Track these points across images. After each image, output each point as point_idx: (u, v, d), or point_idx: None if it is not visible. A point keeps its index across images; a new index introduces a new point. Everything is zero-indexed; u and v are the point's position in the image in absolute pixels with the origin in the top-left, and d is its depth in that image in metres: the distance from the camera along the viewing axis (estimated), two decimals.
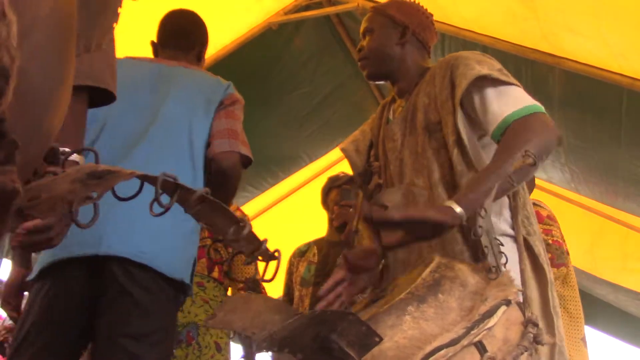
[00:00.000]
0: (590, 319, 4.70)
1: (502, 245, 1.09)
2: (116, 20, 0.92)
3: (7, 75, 0.37)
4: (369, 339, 0.85)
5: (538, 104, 1.27)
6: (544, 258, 1.30)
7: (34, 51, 0.54)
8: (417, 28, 1.57)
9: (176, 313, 1.54)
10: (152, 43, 1.85)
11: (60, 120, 0.68)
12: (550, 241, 2.20)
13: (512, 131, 1.22)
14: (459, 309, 0.97)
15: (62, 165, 0.68)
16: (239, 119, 1.69)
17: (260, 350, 0.85)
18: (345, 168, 4.68)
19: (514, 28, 2.56)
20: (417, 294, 0.99)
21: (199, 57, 1.84)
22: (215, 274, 2.27)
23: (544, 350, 1.15)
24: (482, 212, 1.05)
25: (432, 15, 1.64)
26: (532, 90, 2.81)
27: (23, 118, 0.41)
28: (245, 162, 1.66)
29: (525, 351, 0.95)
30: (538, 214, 2.21)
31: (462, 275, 1.04)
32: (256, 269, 2.37)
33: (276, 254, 0.87)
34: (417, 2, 1.64)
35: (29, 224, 0.97)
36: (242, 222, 0.76)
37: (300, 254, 2.71)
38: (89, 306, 1.39)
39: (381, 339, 0.85)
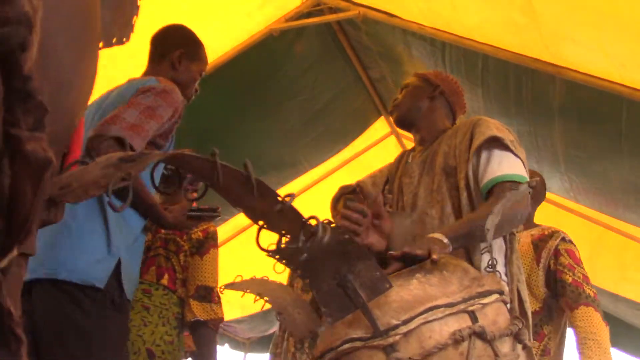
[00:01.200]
0: None
1: (497, 262, 1.29)
2: (136, 14, 0.92)
3: (31, 25, 0.33)
4: (381, 284, 0.98)
5: (527, 177, 1.50)
6: (528, 305, 1.51)
7: (60, 25, 0.53)
8: (447, 89, 1.83)
9: (98, 311, 1.48)
10: None
11: (83, 103, 0.66)
12: (570, 280, 2.16)
13: (500, 191, 1.44)
14: (459, 284, 1.12)
15: (91, 155, 0.66)
16: (137, 105, 1.50)
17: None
18: (344, 174, 4.68)
19: (515, 37, 2.57)
20: (424, 267, 1.16)
21: (173, 64, 1.84)
22: (165, 280, 2.22)
23: None
24: (492, 215, 1.25)
25: (463, 89, 1.91)
26: (533, 99, 2.83)
27: (49, 86, 0.37)
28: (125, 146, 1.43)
29: (511, 334, 1.10)
30: (573, 254, 2.22)
31: (464, 266, 1.21)
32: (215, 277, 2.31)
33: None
34: (454, 77, 1.92)
35: None
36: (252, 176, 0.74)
37: None
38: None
39: (391, 286, 0.98)
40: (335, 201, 2.80)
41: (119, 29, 0.87)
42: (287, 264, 0.93)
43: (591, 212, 3.78)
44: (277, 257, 0.90)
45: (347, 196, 2.71)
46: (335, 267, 0.94)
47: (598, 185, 3.29)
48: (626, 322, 4.34)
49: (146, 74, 1.85)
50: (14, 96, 0.33)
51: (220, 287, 2.16)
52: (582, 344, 2.04)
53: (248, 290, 1.20)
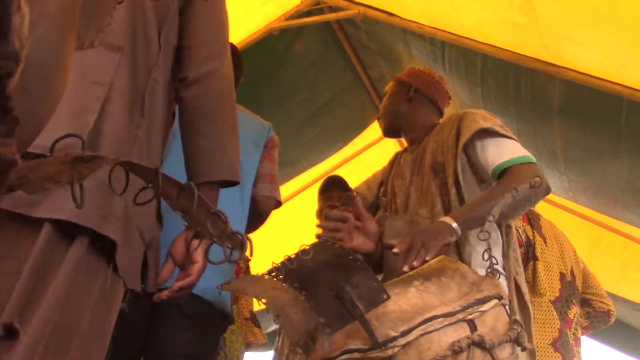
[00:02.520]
0: None
1: (497, 263, 1.26)
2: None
3: (18, 59, 0.40)
4: (378, 295, 0.96)
5: (531, 155, 1.52)
6: (528, 297, 1.51)
7: (36, 43, 0.57)
8: (421, 85, 1.81)
9: (219, 340, 1.66)
10: None
11: (52, 109, 0.73)
12: None
13: (510, 174, 1.46)
14: (457, 291, 1.11)
15: (51, 150, 0.71)
16: (276, 162, 1.85)
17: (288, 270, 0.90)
18: (344, 173, 4.69)
19: (515, 37, 2.57)
20: (422, 274, 1.15)
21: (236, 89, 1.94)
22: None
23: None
24: (490, 218, 1.22)
25: (441, 78, 1.88)
26: (532, 99, 2.83)
27: (23, 101, 0.46)
28: (277, 205, 1.91)
29: (510, 340, 1.08)
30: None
31: (462, 269, 1.19)
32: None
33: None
34: (427, 70, 1.92)
35: (180, 283, 1.08)
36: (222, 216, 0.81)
37: None
38: (145, 330, 1.48)
39: (389, 297, 0.97)
40: (320, 192, 2.90)
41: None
42: (284, 279, 0.93)
43: (590, 211, 3.78)
44: (277, 275, 0.92)
45: (348, 193, 2.75)
46: (332, 279, 0.93)
47: (597, 184, 3.29)
48: (624, 322, 4.35)
49: None
50: None
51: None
52: None
53: (245, 291, 1.20)
